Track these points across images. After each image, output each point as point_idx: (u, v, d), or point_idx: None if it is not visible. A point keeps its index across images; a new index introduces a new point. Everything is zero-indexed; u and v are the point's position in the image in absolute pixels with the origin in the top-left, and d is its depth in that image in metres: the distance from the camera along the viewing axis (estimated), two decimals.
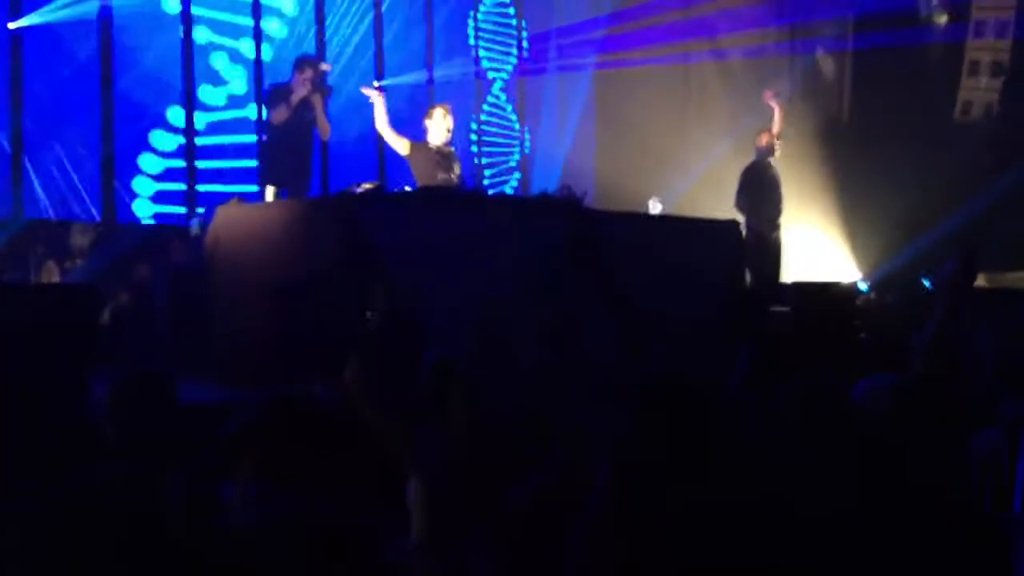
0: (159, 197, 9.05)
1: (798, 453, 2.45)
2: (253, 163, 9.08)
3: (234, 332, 6.09)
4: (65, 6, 8.31)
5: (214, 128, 9.42)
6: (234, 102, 9.56)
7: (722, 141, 10.85)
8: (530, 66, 12.25)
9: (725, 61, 11.74)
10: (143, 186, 8.96)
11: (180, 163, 9.14)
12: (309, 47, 9.90)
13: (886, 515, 2.33)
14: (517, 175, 12.06)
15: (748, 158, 9.55)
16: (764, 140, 9.41)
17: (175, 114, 9.14)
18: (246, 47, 9.64)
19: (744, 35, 11.66)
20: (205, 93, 9.36)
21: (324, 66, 7.82)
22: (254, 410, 2.63)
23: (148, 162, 9.02)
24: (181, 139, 9.13)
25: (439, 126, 7.09)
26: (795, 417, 2.56)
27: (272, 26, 9.93)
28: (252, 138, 9.37)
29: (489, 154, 11.83)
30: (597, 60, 12.10)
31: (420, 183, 7.02)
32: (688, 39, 11.71)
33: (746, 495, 2.15)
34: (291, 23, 10.07)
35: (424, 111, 7.42)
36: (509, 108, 12.08)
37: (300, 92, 7.40)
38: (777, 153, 9.44)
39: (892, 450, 2.35)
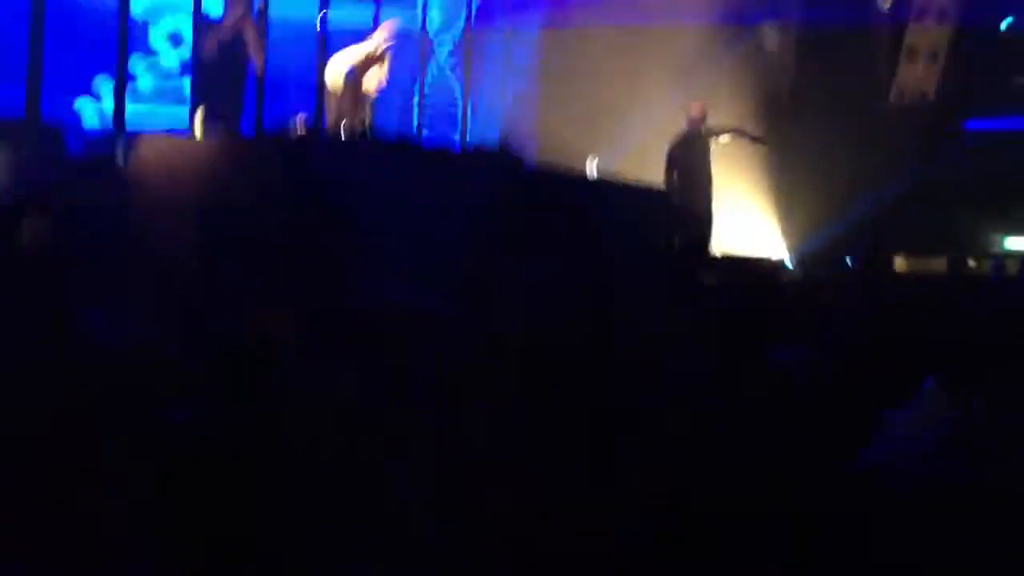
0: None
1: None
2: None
3: (158, 268, 5.97)
4: None
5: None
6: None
7: (665, 105, 10.85)
8: (477, 22, 12.11)
9: (671, 27, 11.73)
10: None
11: None
12: None
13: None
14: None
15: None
16: (695, 111, 9.31)
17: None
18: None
19: (691, 3, 11.65)
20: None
21: None
22: None
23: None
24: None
25: (375, 73, 6.99)
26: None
27: None
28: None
29: (430, 125, 11.69)
30: (544, 19, 12.01)
31: (333, 117, 6.89)
32: (635, 4, 11.66)
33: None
34: None
35: None
36: (452, 77, 11.91)
37: (230, 20, 7.21)
38: (722, 139, 9.36)
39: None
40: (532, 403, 2.85)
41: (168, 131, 8.25)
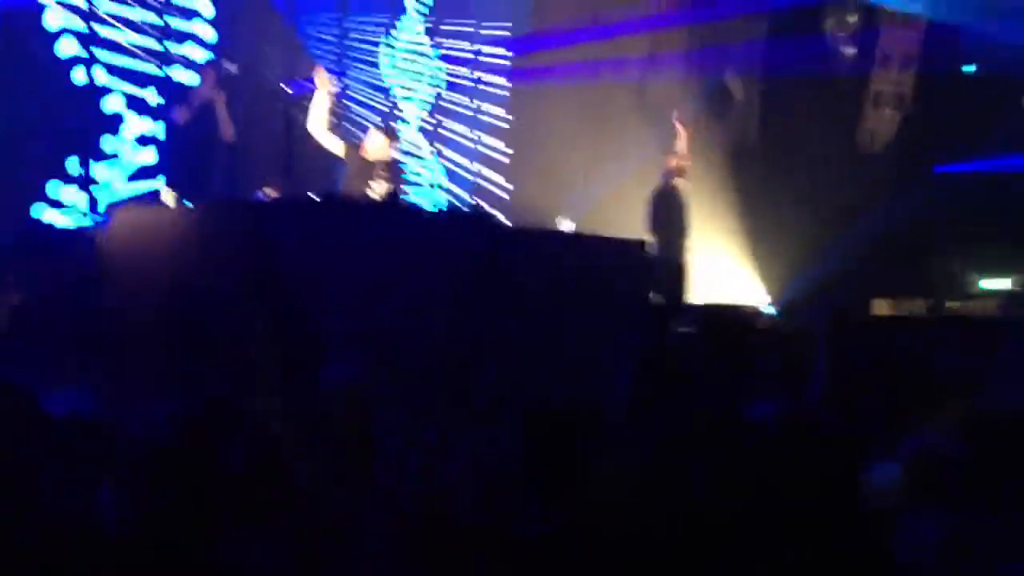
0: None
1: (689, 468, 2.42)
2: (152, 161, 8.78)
3: (126, 339, 5.90)
4: None
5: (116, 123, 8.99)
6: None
7: (631, 162, 10.92)
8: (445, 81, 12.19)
9: (635, 83, 11.84)
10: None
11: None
12: None
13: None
14: (437, 194, 11.91)
15: (657, 180, 9.62)
16: (671, 163, 9.49)
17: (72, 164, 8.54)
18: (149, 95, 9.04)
19: (654, 56, 11.77)
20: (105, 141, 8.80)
21: (228, 66, 7.68)
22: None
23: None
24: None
25: (380, 150, 7.01)
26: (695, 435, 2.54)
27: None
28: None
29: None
30: (509, 78, 12.12)
31: (345, 188, 6.92)
32: (599, 61, 11.77)
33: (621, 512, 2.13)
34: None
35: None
36: (422, 137, 11.93)
37: (204, 94, 7.29)
38: (685, 177, 9.50)
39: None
40: (506, 456, 2.79)
41: (138, 198, 8.22)
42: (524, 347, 5.75)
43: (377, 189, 7.01)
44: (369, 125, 7.23)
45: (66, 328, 6.31)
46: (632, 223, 9.42)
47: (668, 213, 9.39)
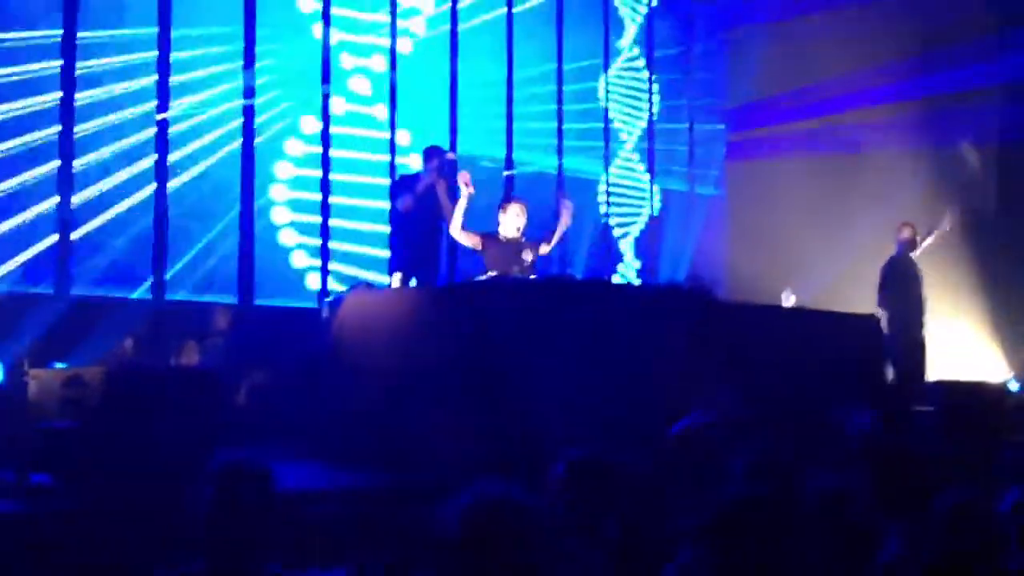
0: (293, 281, 9.22)
1: None
2: (383, 250, 9.22)
3: (356, 415, 6.10)
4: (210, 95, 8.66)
5: (347, 213, 9.58)
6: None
7: (860, 234, 10.51)
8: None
9: (862, 154, 11.45)
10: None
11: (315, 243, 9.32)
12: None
13: None
14: (634, 264, 11.86)
15: (888, 252, 9.19)
16: (905, 233, 9.04)
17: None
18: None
19: (883, 124, 11.37)
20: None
21: (450, 155, 7.94)
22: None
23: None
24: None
25: (511, 221, 7.06)
26: (940, 544, 2.32)
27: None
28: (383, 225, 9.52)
29: (618, 204, 11.77)
30: (727, 154, 11.99)
31: (490, 273, 6.99)
32: (824, 131, 11.48)
33: None
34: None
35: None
36: (638, 159, 11.95)
37: (426, 181, 7.53)
38: (919, 250, 9.06)
39: None
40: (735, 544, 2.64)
41: (368, 285, 8.59)
42: (745, 429, 5.54)
43: (526, 259, 7.03)
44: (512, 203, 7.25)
45: (301, 406, 6.61)
46: (864, 297, 9.02)
47: (901, 286, 8.93)
